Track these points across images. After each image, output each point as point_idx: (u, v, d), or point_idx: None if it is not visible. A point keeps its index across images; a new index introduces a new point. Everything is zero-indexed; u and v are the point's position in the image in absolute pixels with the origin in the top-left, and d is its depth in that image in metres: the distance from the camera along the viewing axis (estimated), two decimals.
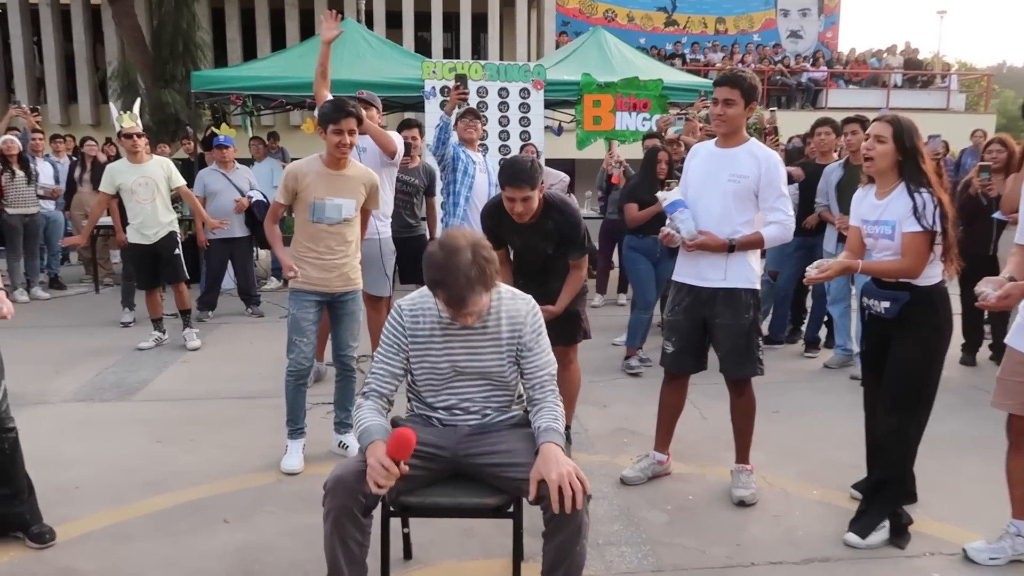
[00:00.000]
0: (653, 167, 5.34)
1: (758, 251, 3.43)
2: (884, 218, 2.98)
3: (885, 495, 3.08)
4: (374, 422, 2.36)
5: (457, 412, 2.52)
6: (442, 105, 8.01)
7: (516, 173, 3.40)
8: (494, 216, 3.70)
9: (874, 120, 3.04)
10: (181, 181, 6.11)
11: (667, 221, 3.46)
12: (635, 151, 6.42)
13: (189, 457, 3.91)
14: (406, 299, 2.52)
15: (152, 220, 5.89)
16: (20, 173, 7.77)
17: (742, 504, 3.39)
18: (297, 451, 3.78)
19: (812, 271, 3.00)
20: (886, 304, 2.99)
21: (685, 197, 3.44)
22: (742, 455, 3.54)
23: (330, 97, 4.29)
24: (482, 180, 5.42)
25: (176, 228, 6.12)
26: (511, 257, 3.88)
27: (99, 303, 7.91)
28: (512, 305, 2.50)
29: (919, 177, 2.90)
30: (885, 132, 2.93)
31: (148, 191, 5.85)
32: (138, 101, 6.34)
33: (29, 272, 8.11)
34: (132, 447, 4.03)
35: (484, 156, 5.58)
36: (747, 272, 3.37)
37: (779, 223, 3.33)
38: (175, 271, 6.09)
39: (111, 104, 7.24)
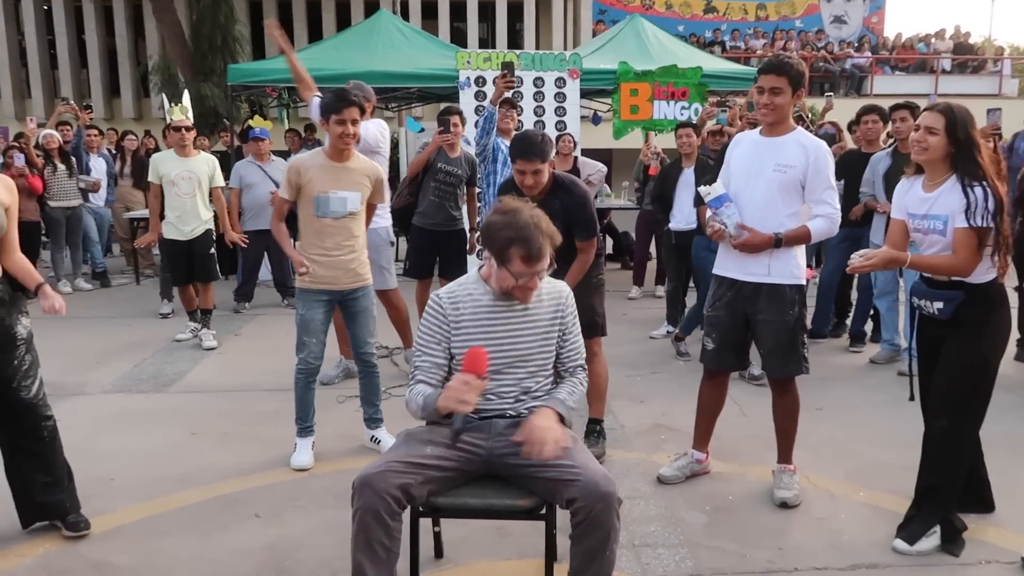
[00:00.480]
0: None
1: (803, 245, 3.29)
2: (934, 212, 2.81)
3: (935, 500, 2.93)
4: (432, 392, 2.38)
5: (491, 397, 2.45)
6: (477, 95, 7.97)
7: (527, 146, 3.42)
8: (507, 191, 3.68)
9: (924, 110, 2.86)
10: (222, 182, 6.09)
11: (708, 216, 3.34)
12: (672, 141, 6.26)
13: (222, 450, 3.91)
14: (442, 290, 2.53)
15: (191, 216, 5.85)
16: (61, 167, 7.89)
17: (784, 506, 3.27)
18: (306, 448, 3.75)
19: (856, 260, 2.85)
20: (939, 305, 2.83)
21: (727, 188, 3.32)
22: (785, 455, 3.41)
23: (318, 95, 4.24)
24: None
25: (212, 226, 6.08)
26: None
27: (140, 294, 8.01)
28: (552, 287, 2.55)
29: (974, 170, 2.73)
30: (937, 123, 2.76)
31: (190, 186, 5.81)
32: (186, 94, 6.33)
33: (72, 264, 8.26)
34: (166, 440, 4.05)
35: None
36: (792, 267, 3.24)
37: (826, 216, 3.18)
38: (207, 271, 6.05)
39: (162, 96, 7.08)
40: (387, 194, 4.96)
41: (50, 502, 3.02)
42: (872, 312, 5.87)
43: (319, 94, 4.44)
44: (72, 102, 8.47)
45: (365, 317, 3.80)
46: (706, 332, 3.49)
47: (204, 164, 5.92)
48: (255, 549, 2.94)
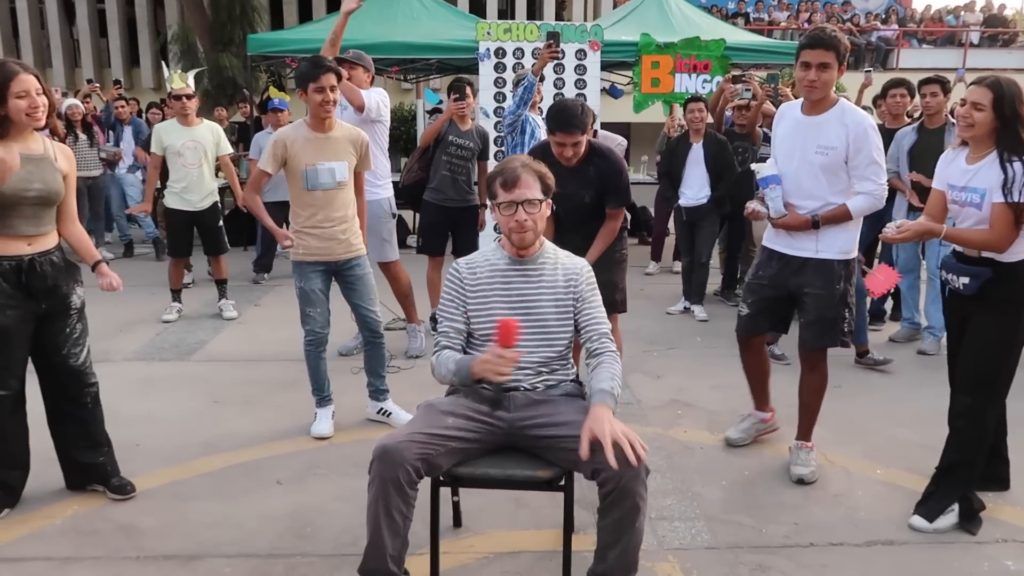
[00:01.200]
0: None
1: (853, 224, 3.23)
2: (973, 185, 2.78)
3: (955, 478, 2.93)
4: (464, 357, 2.45)
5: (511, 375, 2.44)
6: (497, 67, 7.90)
7: (567, 118, 3.41)
8: (538, 158, 3.67)
9: (972, 84, 2.81)
10: (229, 149, 6.03)
11: (756, 193, 3.34)
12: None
13: (244, 418, 3.97)
14: (463, 258, 2.61)
15: (197, 186, 5.76)
16: (83, 136, 7.94)
17: (801, 482, 3.28)
18: (326, 417, 3.79)
19: (890, 230, 2.83)
20: (965, 280, 2.81)
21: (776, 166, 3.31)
22: (804, 432, 3.41)
23: None
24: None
25: (218, 198, 6.02)
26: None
27: (161, 266, 8.07)
28: (569, 261, 2.59)
29: (1015, 145, 2.69)
30: (984, 99, 2.71)
31: (196, 155, 5.72)
32: (193, 71, 6.27)
33: (95, 233, 8.34)
34: (190, 407, 4.12)
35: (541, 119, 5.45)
36: (840, 243, 3.21)
37: (868, 194, 3.13)
38: (217, 243, 5.99)
39: (164, 65, 6.95)
40: (387, 164, 4.94)
41: (93, 464, 3.11)
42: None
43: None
44: (96, 83, 8.60)
45: (363, 285, 3.77)
46: (743, 298, 3.52)
47: (209, 132, 5.84)
48: (278, 515, 3.00)
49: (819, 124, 3.15)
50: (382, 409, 3.91)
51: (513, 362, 2.30)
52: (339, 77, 3.59)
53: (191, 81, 5.85)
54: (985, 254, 2.78)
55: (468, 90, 5.17)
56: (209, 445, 3.63)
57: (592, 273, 2.61)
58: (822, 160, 3.13)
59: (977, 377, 2.85)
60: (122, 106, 8.83)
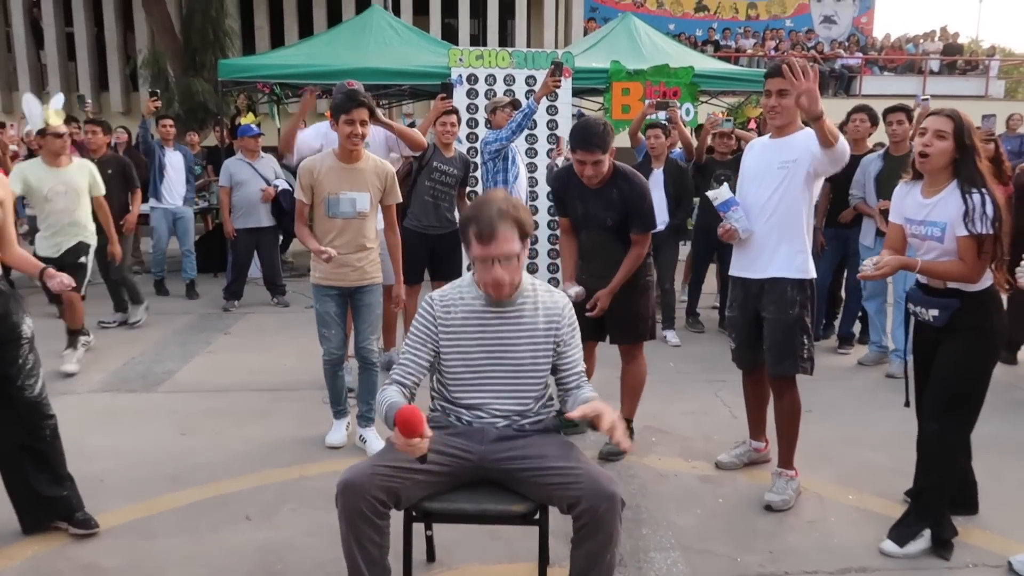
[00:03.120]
0: None
1: (808, 245, 3.26)
2: (932, 218, 2.83)
3: (926, 503, 2.96)
4: (398, 399, 2.30)
5: (482, 415, 2.43)
6: (469, 93, 7.93)
7: (588, 136, 3.43)
8: (562, 179, 3.77)
9: (929, 115, 2.87)
10: (102, 190, 5.41)
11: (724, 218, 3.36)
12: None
13: (213, 451, 3.89)
14: (435, 293, 2.47)
15: (67, 231, 5.13)
16: None
17: (769, 509, 3.28)
18: (340, 428, 3.96)
19: (868, 268, 2.86)
20: (935, 312, 2.86)
21: (740, 192, 3.37)
22: (783, 459, 3.41)
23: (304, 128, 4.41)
24: (522, 172, 5.34)
25: (91, 241, 5.28)
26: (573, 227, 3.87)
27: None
28: (549, 298, 2.45)
29: (975, 176, 2.74)
30: (946, 127, 2.77)
31: (68, 200, 5.10)
32: (58, 98, 5.35)
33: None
34: (156, 439, 4.03)
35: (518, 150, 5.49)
36: (796, 261, 3.24)
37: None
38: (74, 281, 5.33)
39: (32, 99, 5.22)
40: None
41: (56, 498, 3.00)
42: (860, 314, 5.90)
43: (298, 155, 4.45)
44: (89, 102, 8.04)
45: (367, 313, 3.84)
46: (728, 332, 3.59)
47: (81, 174, 5.22)
48: (247, 551, 2.93)
49: (784, 144, 3.24)
50: (362, 436, 3.91)
51: (424, 449, 2.07)
52: (371, 112, 3.65)
53: (63, 118, 5.18)
54: (951, 285, 2.83)
55: (453, 117, 5.15)
56: (176, 479, 3.55)
57: (573, 313, 2.48)
58: (785, 174, 3.20)
59: (947, 404, 2.88)
60: (168, 124, 7.74)
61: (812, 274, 3.29)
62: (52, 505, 3.01)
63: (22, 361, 2.89)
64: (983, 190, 2.72)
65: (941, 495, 2.96)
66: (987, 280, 2.81)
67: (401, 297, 3.98)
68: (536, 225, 6.30)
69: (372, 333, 3.86)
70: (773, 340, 3.28)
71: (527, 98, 8.06)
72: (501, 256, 2.26)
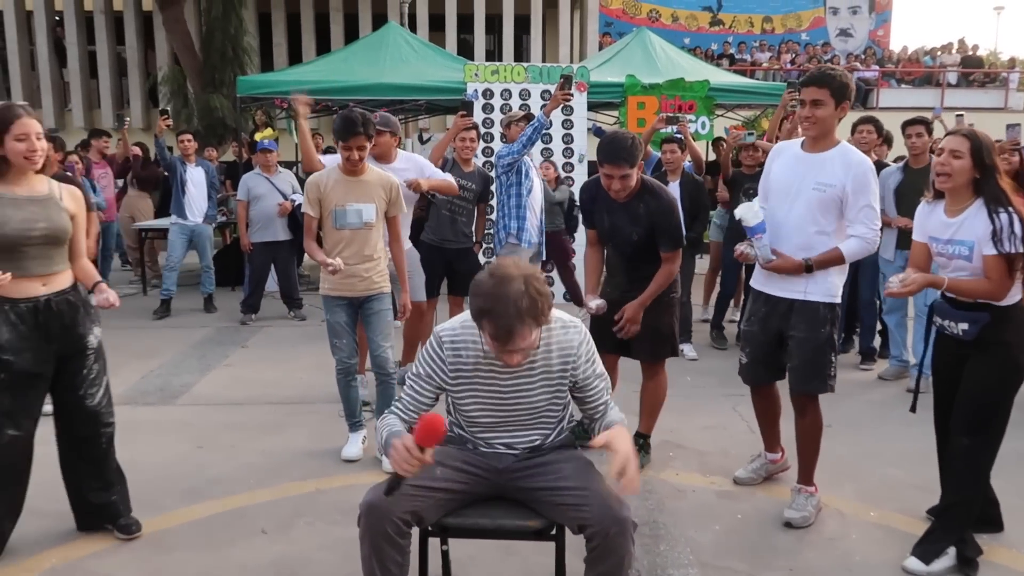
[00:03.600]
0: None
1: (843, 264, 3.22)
2: (959, 237, 2.80)
3: (952, 519, 2.91)
4: (399, 427, 2.26)
5: (500, 448, 2.40)
6: (484, 108, 7.97)
7: (616, 150, 3.41)
8: (590, 190, 3.76)
9: (947, 135, 2.85)
10: None
11: (746, 239, 3.27)
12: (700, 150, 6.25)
13: (229, 464, 3.90)
14: (446, 328, 2.33)
15: None
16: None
17: (788, 526, 3.23)
18: (356, 441, 3.96)
19: (895, 285, 2.82)
20: (964, 326, 2.82)
21: (766, 201, 3.31)
22: (803, 475, 3.36)
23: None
24: (537, 186, 5.33)
25: None
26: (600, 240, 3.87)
27: (148, 304, 8.01)
28: (563, 336, 2.30)
29: (999, 195, 2.72)
30: (962, 147, 2.75)
31: None
32: None
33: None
34: (174, 453, 4.04)
35: (533, 164, 5.50)
36: (828, 285, 3.20)
37: (861, 237, 3.11)
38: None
39: None
40: (407, 220, 4.95)
41: (104, 504, 3.11)
42: (880, 328, 5.84)
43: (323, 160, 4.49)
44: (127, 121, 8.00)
45: (378, 320, 3.87)
46: (741, 346, 3.52)
47: None
48: (262, 565, 2.93)
49: (820, 161, 3.15)
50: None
51: (422, 464, 2.04)
52: (369, 139, 3.72)
53: None
54: (982, 300, 2.80)
55: (472, 133, 5.20)
56: (193, 492, 3.56)
57: (591, 343, 2.36)
58: (819, 197, 3.13)
59: (976, 419, 2.85)
60: (188, 140, 7.59)
61: (840, 296, 3.24)
62: (103, 509, 3.12)
63: (86, 371, 2.99)
64: (1010, 208, 2.70)
65: (969, 511, 2.91)
66: (1016, 294, 2.78)
67: (408, 306, 4.02)
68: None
69: (385, 340, 3.90)
70: (802, 359, 3.23)
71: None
72: (518, 352, 2.14)
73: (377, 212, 3.80)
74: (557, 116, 8.09)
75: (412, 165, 4.64)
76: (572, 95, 5.07)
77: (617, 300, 3.72)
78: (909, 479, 3.67)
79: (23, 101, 14.31)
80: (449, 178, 4.82)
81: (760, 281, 3.37)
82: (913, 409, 3.14)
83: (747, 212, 3.17)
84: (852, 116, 7.48)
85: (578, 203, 4.01)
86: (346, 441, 3.99)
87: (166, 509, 3.39)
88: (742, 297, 6.43)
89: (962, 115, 6.78)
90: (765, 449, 3.70)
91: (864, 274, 5.51)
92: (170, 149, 7.71)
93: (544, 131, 4.95)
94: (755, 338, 3.40)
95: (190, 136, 7.71)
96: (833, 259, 3.14)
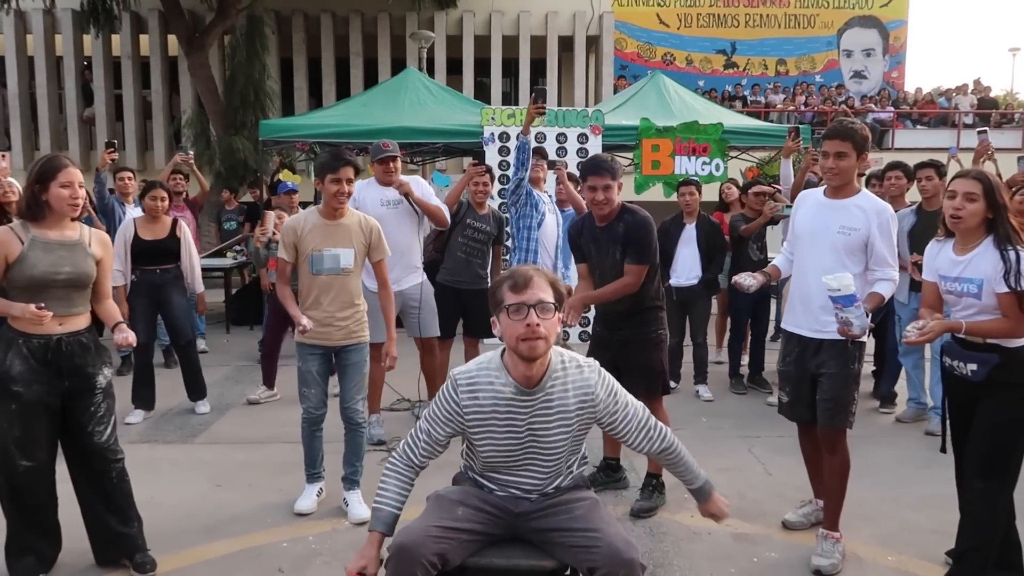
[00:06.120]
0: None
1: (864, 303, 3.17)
2: (967, 275, 2.84)
3: (969, 565, 2.88)
4: (389, 505, 2.38)
5: (515, 491, 2.44)
6: (501, 151, 8.12)
7: (598, 163, 3.70)
8: (576, 225, 3.97)
9: (955, 177, 2.91)
10: None
11: (835, 310, 3.04)
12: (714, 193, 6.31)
13: (247, 503, 3.93)
14: (462, 371, 2.39)
15: None
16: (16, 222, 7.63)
17: (818, 574, 3.20)
18: (311, 494, 3.86)
19: (912, 333, 2.84)
20: (973, 367, 2.84)
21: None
22: (829, 519, 3.34)
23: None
24: (551, 221, 5.40)
25: None
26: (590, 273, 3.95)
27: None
28: (579, 376, 2.35)
29: (1010, 233, 2.77)
30: (975, 189, 2.81)
31: None
32: None
33: None
34: (192, 491, 4.09)
35: (551, 200, 5.58)
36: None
37: (889, 279, 3.23)
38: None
39: None
40: (418, 252, 5.01)
41: (126, 535, 3.19)
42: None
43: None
44: (190, 151, 7.44)
45: (354, 372, 3.78)
46: (780, 386, 3.58)
47: None
48: None
49: (843, 207, 3.26)
50: (344, 499, 3.84)
51: None
52: (357, 171, 3.73)
53: None
54: (990, 340, 2.82)
55: (486, 177, 5.32)
56: (211, 531, 3.59)
57: (607, 376, 2.40)
58: (845, 240, 3.22)
59: (990, 461, 2.84)
60: (127, 177, 6.77)
61: (866, 334, 3.23)
62: (121, 542, 3.20)
63: (94, 409, 3.09)
64: (1018, 247, 2.75)
65: (985, 556, 2.88)
66: None
67: (392, 355, 3.83)
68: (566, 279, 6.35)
69: (358, 393, 3.81)
70: (833, 394, 3.26)
71: (558, 156, 8.29)
72: (537, 302, 2.20)
73: (356, 257, 3.69)
74: (572, 159, 8.22)
75: (414, 182, 4.76)
76: (545, 108, 5.16)
77: (602, 337, 3.86)
78: (928, 523, 3.64)
79: (48, 142, 14.29)
80: (444, 209, 4.87)
81: (791, 322, 3.44)
82: (943, 449, 3.15)
83: (836, 283, 2.92)
84: (875, 159, 7.55)
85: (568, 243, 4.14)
86: (301, 492, 3.86)
87: (184, 547, 3.42)
88: (748, 339, 6.45)
89: (956, 153, 6.86)
90: (815, 495, 3.68)
91: (891, 319, 5.49)
92: (111, 191, 6.86)
93: (525, 150, 5.10)
94: (792, 377, 3.45)
95: (130, 174, 6.80)
96: (879, 302, 3.22)
